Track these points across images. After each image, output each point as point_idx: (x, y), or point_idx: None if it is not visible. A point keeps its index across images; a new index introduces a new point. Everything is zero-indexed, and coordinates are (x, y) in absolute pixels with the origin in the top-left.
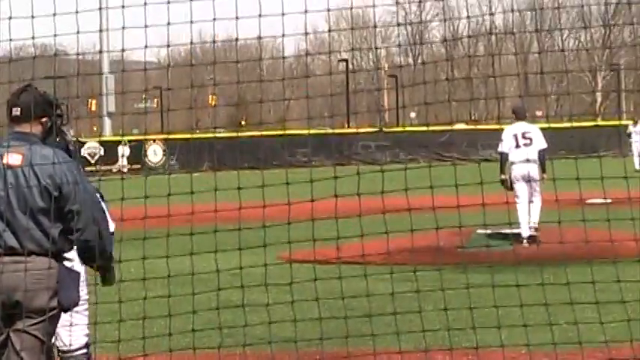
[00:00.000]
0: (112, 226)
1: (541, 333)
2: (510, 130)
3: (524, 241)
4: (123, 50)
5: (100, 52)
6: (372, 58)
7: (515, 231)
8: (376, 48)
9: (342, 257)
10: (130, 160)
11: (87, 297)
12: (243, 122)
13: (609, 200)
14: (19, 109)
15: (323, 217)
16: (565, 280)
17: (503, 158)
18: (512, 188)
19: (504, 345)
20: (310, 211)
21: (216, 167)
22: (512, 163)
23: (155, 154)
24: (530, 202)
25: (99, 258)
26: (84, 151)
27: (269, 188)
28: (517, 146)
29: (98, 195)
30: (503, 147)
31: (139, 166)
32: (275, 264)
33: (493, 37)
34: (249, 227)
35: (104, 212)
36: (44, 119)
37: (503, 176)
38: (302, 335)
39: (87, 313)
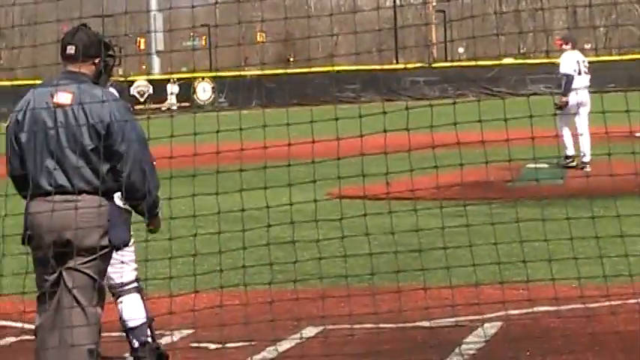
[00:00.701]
0: None
1: (592, 266)
2: (573, 56)
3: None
4: None
5: None
6: None
7: (570, 164)
8: None
9: (391, 193)
10: (179, 98)
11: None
12: (291, 59)
13: None
14: (73, 47)
15: (372, 152)
16: (615, 213)
17: (571, 79)
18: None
19: (555, 279)
20: (359, 147)
21: (265, 104)
22: (575, 89)
23: (204, 91)
24: (580, 134)
25: (143, 200)
26: (133, 90)
27: (318, 125)
28: (579, 73)
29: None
30: (568, 69)
31: (188, 104)
32: (325, 200)
33: None
34: (299, 164)
35: (149, 153)
36: (97, 60)
37: (565, 98)
38: (352, 271)
39: (133, 248)
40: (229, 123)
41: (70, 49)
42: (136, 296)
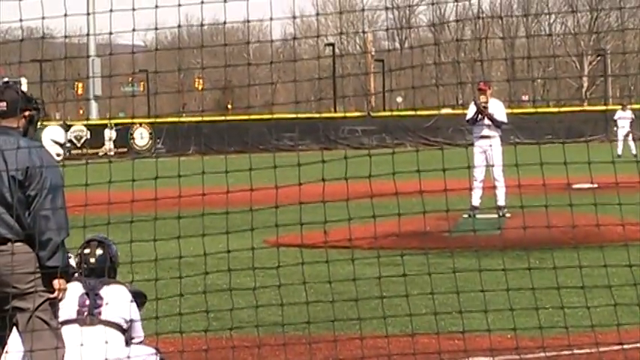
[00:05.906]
0: None
1: (527, 317)
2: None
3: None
4: (110, 33)
5: (87, 35)
6: (358, 43)
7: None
8: (363, 32)
9: (329, 241)
10: (117, 143)
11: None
12: (229, 106)
13: (596, 185)
14: (4, 103)
15: (310, 201)
16: (551, 264)
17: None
18: None
19: (491, 329)
20: (297, 195)
21: (203, 151)
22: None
23: (142, 137)
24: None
25: (39, 244)
26: (70, 135)
27: (256, 172)
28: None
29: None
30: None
31: (125, 149)
32: (262, 248)
33: (480, 22)
34: (237, 211)
35: (60, 202)
36: (27, 113)
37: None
38: (289, 319)
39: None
40: (167, 169)
41: (2, 106)
42: None
